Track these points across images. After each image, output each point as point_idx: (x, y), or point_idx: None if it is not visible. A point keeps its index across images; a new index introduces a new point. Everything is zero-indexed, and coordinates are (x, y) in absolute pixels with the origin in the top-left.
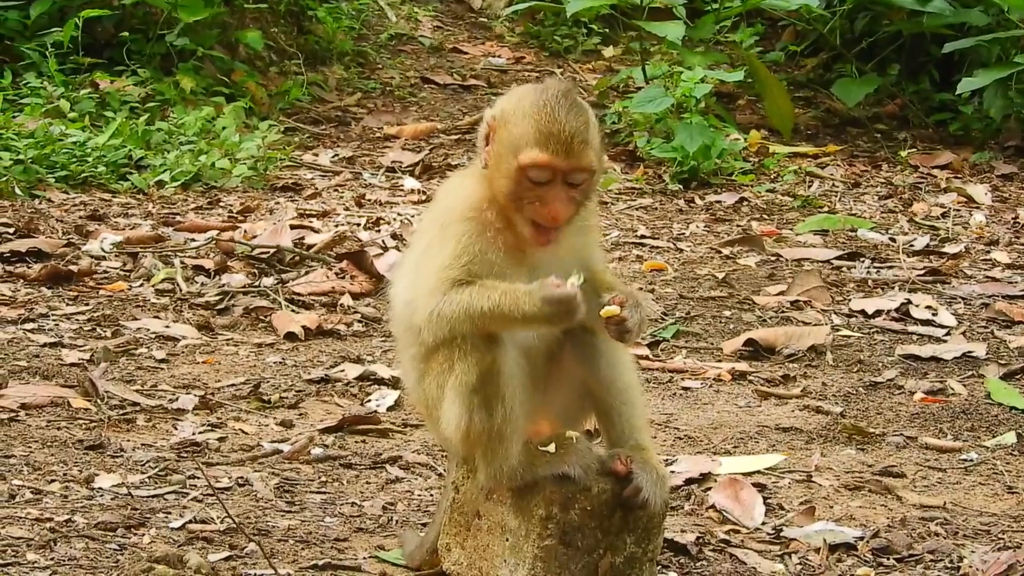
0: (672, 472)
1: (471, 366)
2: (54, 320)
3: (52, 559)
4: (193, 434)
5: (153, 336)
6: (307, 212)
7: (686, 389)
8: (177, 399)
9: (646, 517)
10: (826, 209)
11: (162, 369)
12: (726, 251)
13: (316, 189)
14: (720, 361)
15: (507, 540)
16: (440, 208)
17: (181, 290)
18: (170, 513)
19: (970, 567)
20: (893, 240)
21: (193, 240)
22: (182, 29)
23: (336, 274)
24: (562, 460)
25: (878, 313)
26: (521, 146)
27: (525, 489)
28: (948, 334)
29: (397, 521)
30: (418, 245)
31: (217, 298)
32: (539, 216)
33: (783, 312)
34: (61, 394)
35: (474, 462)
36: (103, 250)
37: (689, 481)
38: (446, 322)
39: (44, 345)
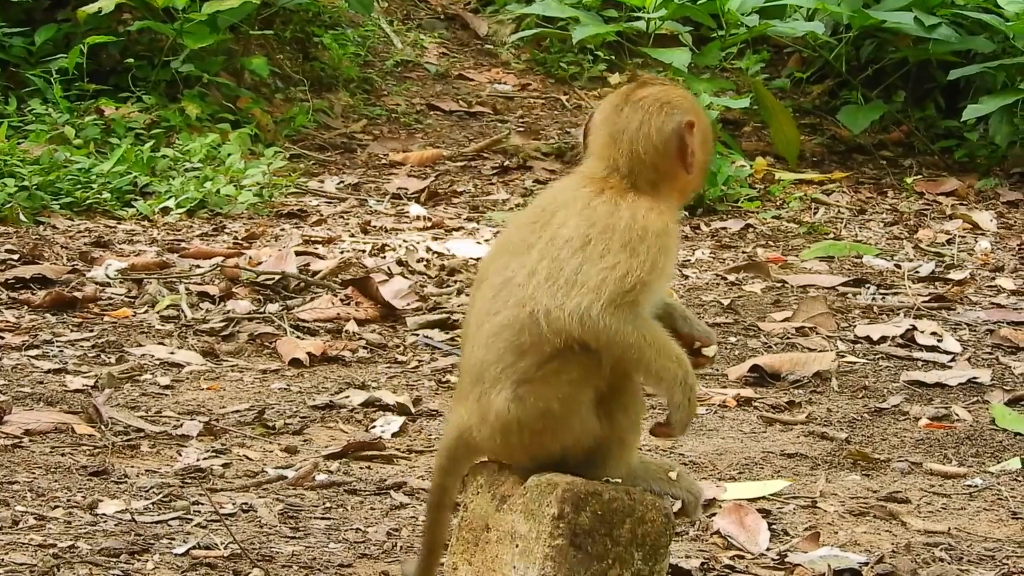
0: None
1: (598, 377)
2: (58, 346)
3: None
4: (197, 460)
5: (157, 362)
6: (312, 239)
7: None
8: (181, 425)
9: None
10: (832, 236)
11: (166, 395)
12: (732, 277)
13: (321, 216)
14: (725, 387)
15: (517, 546)
16: (626, 224)
17: (186, 316)
18: (174, 539)
19: None
20: (898, 267)
21: (198, 267)
22: (187, 56)
23: (341, 300)
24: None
25: (883, 339)
26: (707, 122)
27: (542, 495)
28: (953, 360)
29: (401, 547)
30: (577, 254)
31: (222, 324)
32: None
33: (788, 338)
34: (65, 420)
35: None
36: (108, 276)
37: None
38: (617, 338)
39: (48, 371)
